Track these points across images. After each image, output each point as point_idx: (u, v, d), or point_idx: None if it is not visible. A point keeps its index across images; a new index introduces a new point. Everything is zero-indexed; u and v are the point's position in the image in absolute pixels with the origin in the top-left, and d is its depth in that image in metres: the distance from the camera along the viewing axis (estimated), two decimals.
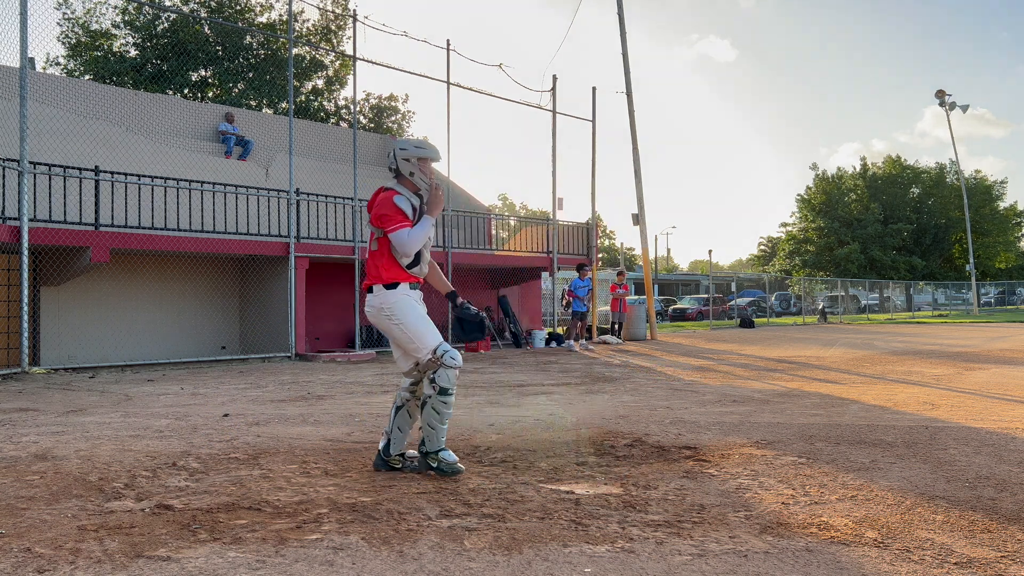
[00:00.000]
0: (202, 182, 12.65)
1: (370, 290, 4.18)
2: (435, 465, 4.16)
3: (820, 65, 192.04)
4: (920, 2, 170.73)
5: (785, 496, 3.79)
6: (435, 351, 4.05)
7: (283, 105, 25.76)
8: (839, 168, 54.63)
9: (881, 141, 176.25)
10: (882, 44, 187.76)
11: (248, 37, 26.67)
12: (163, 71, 25.34)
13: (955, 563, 2.84)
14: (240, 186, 13.30)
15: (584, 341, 17.27)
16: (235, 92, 26.92)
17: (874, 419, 6.17)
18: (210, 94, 27.01)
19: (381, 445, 4.36)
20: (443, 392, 4.04)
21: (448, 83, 16.17)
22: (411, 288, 4.21)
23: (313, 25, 28.73)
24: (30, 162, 10.46)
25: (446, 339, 4.53)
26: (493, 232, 19.80)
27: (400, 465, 4.33)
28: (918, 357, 12.87)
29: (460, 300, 4.57)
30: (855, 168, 51.57)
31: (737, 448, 4.98)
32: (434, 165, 4.48)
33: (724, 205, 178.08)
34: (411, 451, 4.44)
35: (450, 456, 4.17)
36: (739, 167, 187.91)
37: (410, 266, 4.17)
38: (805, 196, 51.05)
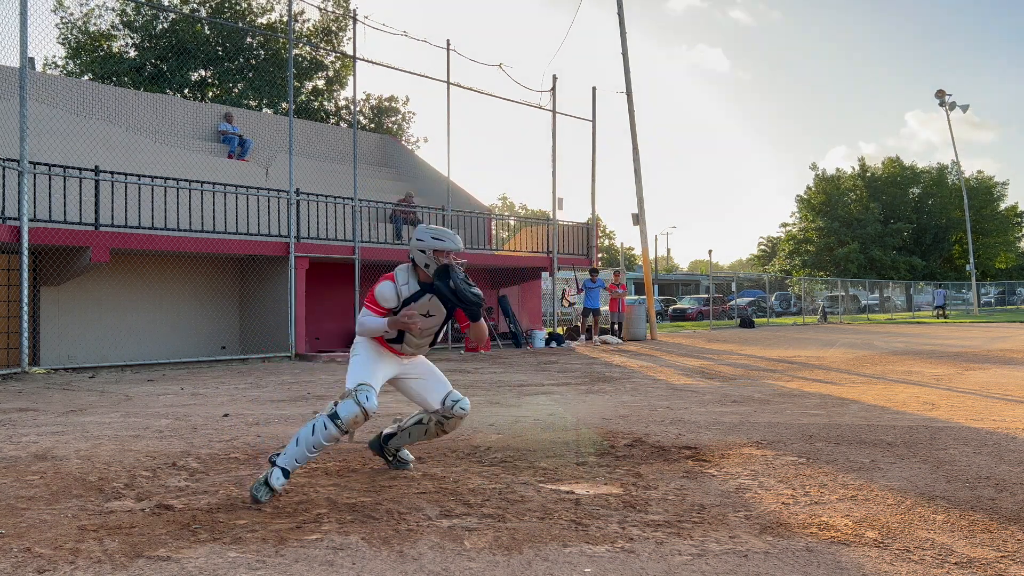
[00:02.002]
0: (202, 182, 12.64)
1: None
2: (262, 476, 3.76)
3: (810, 71, 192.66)
4: (906, 8, 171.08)
5: (785, 496, 3.79)
6: (354, 387, 3.87)
7: (283, 105, 25.75)
8: (838, 168, 54.71)
9: (868, 144, 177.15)
10: (868, 50, 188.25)
11: (248, 37, 26.68)
12: (163, 71, 25.35)
13: (955, 563, 2.84)
14: (240, 186, 13.30)
15: (596, 338, 17.46)
16: (235, 92, 26.93)
17: (874, 419, 6.17)
18: (210, 94, 27.01)
19: (386, 431, 4.41)
20: (334, 418, 3.74)
21: (448, 83, 16.17)
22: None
23: (313, 25, 28.73)
24: (30, 162, 10.46)
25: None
26: (493, 232, 19.81)
27: (391, 458, 4.42)
28: (918, 357, 12.87)
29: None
30: (854, 168, 51.63)
31: (737, 448, 4.98)
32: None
33: (724, 205, 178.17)
34: (406, 453, 4.50)
35: (278, 481, 3.70)
36: (739, 167, 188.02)
37: (392, 340, 4.09)
38: (805, 196, 51.06)
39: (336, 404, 3.82)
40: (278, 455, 3.81)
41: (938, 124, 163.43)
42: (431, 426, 4.31)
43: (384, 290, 4.01)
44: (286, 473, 3.74)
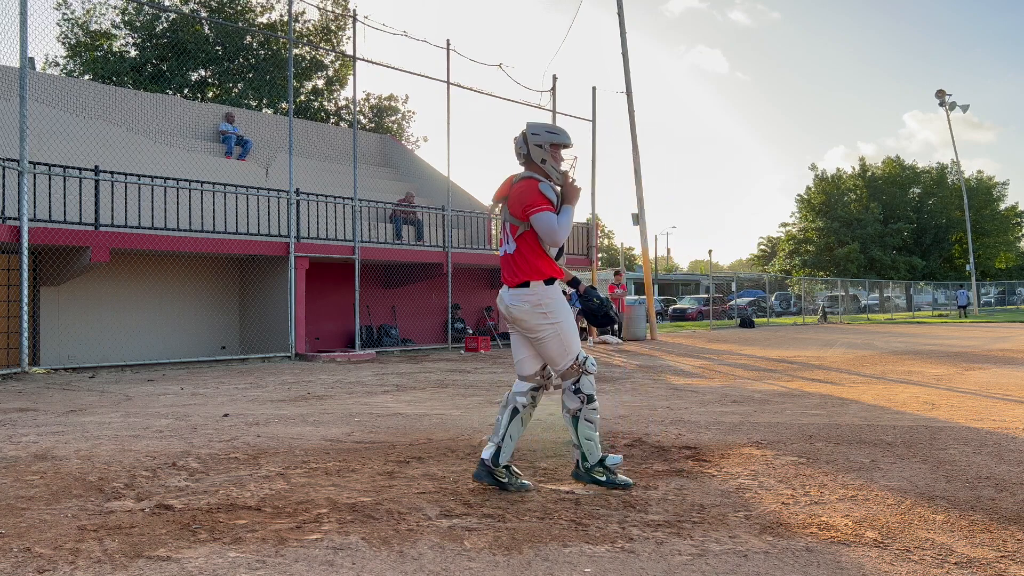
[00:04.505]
0: (202, 182, 12.64)
1: (523, 285, 3.81)
2: (603, 479, 3.87)
3: (809, 72, 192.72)
4: (904, 10, 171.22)
5: (785, 496, 3.79)
6: (578, 358, 3.82)
7: (283, 105, 25.76)
8: (839, 168, 54.71)
9: (867, 144, 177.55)
10: (866, 51, 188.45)
11: (248, 37, 26.67)
12: (163, 71, 25.35)
13: (955, 563, 2.84)
14: (240, 186, 13.30)
15: (591, 339, 17.54)
16: (235, 92, 26.93)
17: (874, 419, 6.17)
18: (210, 94, 27.01)
19: (487, 454, 3.85)
20: (590, 400, 3.83)
21: (448, 83, 16.17)
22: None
23: (313, 25, 28.73)
24: (30, 162, 10.46)
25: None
26: (493, 232, 19.80)
27: (506, 479, 3.84)
28: (918, 357, 12.87)
29: (583, 285, 4.22)
30: (854, 168, 51.64)
31: (737, 448, 4.98)
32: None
33: (724, 205, 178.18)
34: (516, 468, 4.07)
35: (615, 458, 3.94)
36: (738, 167, 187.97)
37: (556, 258, 3.90)
38: (805, 196, 51.07)
39: (578, 389, 3.81)
40: (587, 467, 3.91)
41: (936, 125, 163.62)
42: (525, 414, 3.98)
43: (545, 189, 3.82)
44: (602, 460, 3.91)
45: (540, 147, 3.92)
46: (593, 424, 3.87)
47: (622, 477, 3.95)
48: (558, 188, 3.97)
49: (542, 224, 3.77)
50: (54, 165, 10.97)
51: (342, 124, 27.63)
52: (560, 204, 3.91)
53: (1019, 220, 52.52)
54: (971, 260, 42.91)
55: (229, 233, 12.77)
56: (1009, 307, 52.00)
